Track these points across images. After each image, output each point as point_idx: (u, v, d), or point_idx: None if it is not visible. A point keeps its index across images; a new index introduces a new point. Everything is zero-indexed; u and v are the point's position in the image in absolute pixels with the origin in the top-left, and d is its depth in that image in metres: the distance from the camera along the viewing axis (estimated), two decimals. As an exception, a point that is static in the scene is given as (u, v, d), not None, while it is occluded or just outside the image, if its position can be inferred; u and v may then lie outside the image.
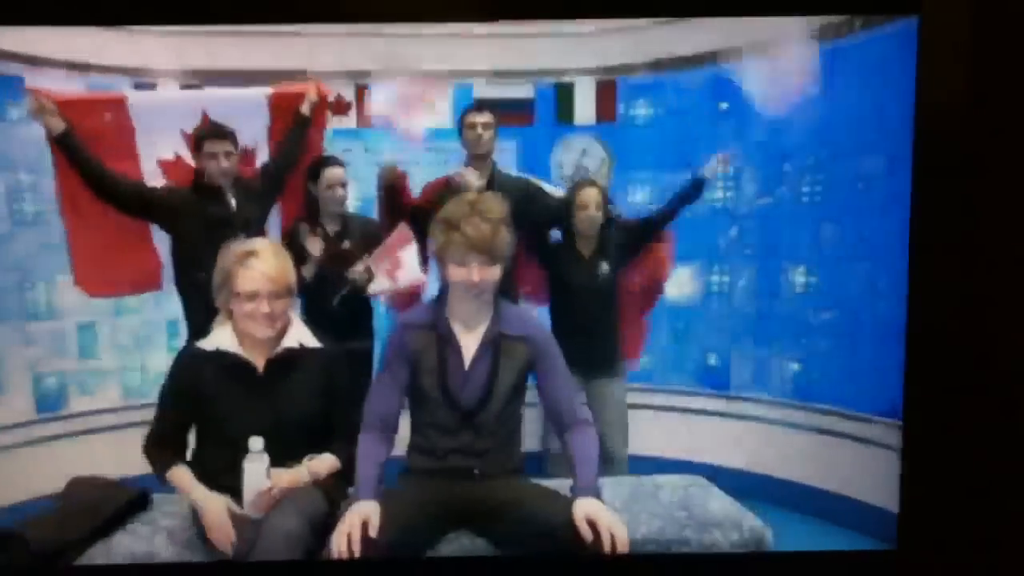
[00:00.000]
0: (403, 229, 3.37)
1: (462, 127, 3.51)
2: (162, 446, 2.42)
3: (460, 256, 2.24)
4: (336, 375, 2.51)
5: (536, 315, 2.52)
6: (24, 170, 3.62)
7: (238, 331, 2.40)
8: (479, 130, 3.46)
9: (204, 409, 2.38)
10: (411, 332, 2.39)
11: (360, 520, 2.11)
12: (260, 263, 2.32)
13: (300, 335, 2.45)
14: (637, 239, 3.58)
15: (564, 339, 3.34)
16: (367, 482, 2.24)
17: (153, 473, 2.42)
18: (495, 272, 2.28)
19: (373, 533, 2.10)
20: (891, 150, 3.42)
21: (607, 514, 2.12)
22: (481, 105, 3.52)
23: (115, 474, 2.62)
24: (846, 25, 3.56)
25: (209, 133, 3.25)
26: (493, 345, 2.36)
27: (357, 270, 3.33)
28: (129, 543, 2.39)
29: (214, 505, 2.26)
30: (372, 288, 3.35)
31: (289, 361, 2.41)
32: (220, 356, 2.37)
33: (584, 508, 2.13)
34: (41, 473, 3.20)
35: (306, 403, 2.42)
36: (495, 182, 3.52)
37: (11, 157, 3.64)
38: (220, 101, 3.49)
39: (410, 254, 3.34)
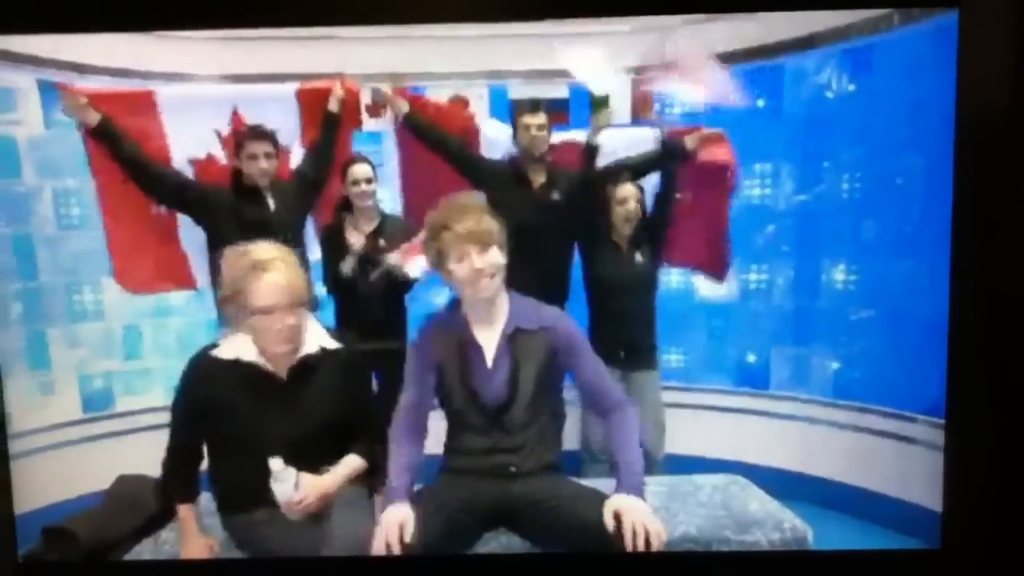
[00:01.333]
0: None
1: (516, 128, 3.53)
2: (180, 468, 2.39)
3: (456, 250, 2.28)
4: (357, 374, 2.50)
5: (554, 308, 2.50)
6: (70, 175, 3.68)
7: (256, 341, 2.32)
8: (533, 131, 3.48)
9: (225, 421, 2.30)
10: (432, 338, 2.42)
11: (397, 524, 2.12)
12: (274, 275, 2.23)
13: (319, 338, 2.40)
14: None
15: (603, 331, 3.41)
16: (399, 486, 2.25)
17: (164, 498, 2.45)
18: (494, 255, 2.30)
19: (408, 537, 2.11)
20: (932, 146, 3.37)
21: (637, 509, 2.10)
22: (536, 105, 3.52)
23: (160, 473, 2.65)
24: (884, 20, 3.52)
25: (250, 134, 3.29)
26: (512, 341, 2.38)
27: (390, 261, 3.34)
28: (174, 540, 2.44)
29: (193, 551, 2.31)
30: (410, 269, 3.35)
31: (311, 366, 2.37)
32: (239, 366, 2.31)
33: (615, 503, 2.13)
34: (89, 471, 3.28)
35: (332, 406, 2.38)
36: (556, 181, 3.55)
37: (58, 162, 3.71)
38: (249, 97, 3.54)
39: None
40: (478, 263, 2.27)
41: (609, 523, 2.09)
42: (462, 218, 2.28)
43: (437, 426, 2.46)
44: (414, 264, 3.32)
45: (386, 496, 2.24)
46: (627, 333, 3.50)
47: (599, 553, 2.18)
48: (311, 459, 2.30)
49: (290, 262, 2.29)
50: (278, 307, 2.22)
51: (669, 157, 3.61)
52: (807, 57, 3.86)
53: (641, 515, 2.08)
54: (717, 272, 3.98)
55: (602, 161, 3.63)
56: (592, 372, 2.41)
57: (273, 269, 2.23)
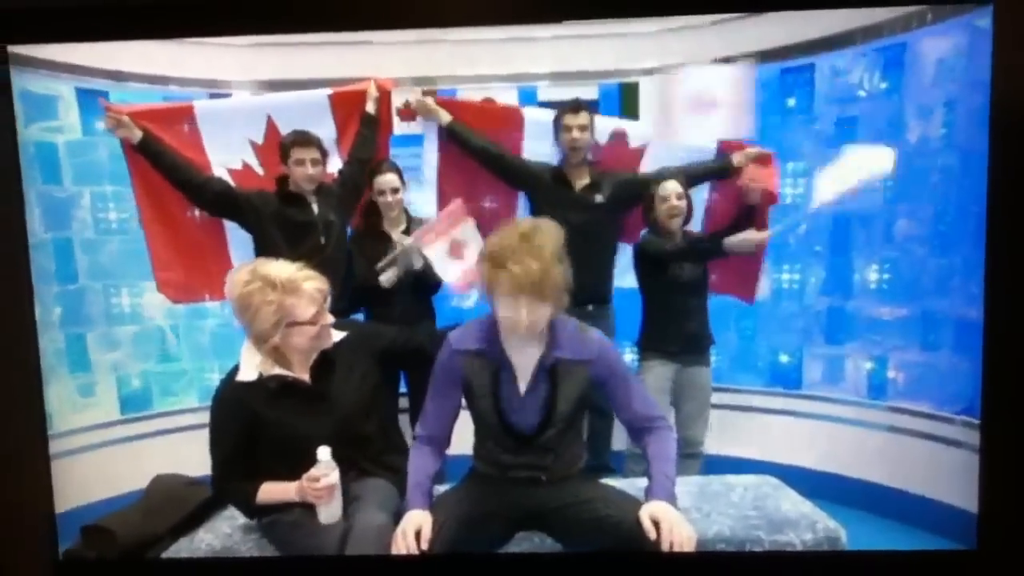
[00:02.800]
0: (456, 205, 3.42)
1: (557, 129, 3.53)
2: (236, 477, 2.39)
3: (508, 296, 2.10)
4: (377, 339, 2.55)
5: (596, 333, 2.33)
6: (108, 180, 3.74)
7: (279, 355, 2.37)
8: (575, 133, 3.47)
9: (266, 435, 2.34)
10: (460, 357, 2.31)
11: (413, 529, 2.13)
12: (308, 284, 2.30)
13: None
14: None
15: (661, 325, 3.47)
16: (417, 492, 2.25)
17: (244, 510, 2.43)
18: (545, 311, 2.14)
19: (425, 544, 2.12)
20: (966, 143, 3.34)
21: (672, 515, 2.10)
22: (578, 106, 3.49)
23: (196, 472, 2.68)
24: (918, 17, 3.48)
25: (296, 140, 3.32)
26: (550, 371, 2.26)
27: (404, 244, 3.30)
28: (210, 539, 2.49)
29: (303, 480, 2.26)
30: (441, 271, 3.36)
31: (329, 362, 2.42)
32: (265, 382, 2.35)
33: (651, 508, 2.12)
34: (126, 471, 3.33)
35: (359, 390, 2.43)
36: (600, 184, 3.56)
37: (97, 168, 3.78)
38: (284, 106, 3.55)
39: (466, 231, 3.37)
40: (525, 317, 2.12)
41: (649, 529, 2.07)
42: (526, 261, 2.05)
43: (465, 427, 2.46)
44: (429, 249, 3.34)
45: (406, 502, 2.24)
46: (683, 330, 3.49)
47: (630, 553, 2.19)
48: (352, 444, 2.36)
49: (305, 271, 2.35)
50: (320, 312, 2.32)
51: (720, 170, 3.68)
52: (839, 56, 3.83)
53: (678, 521, 2.08)
54: (748, 298, 3.98)
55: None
56: (633, 399, 2.31)
57: (302, 282, 2.29)
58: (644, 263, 3.54)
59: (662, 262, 3.46)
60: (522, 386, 2.28)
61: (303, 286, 2.29)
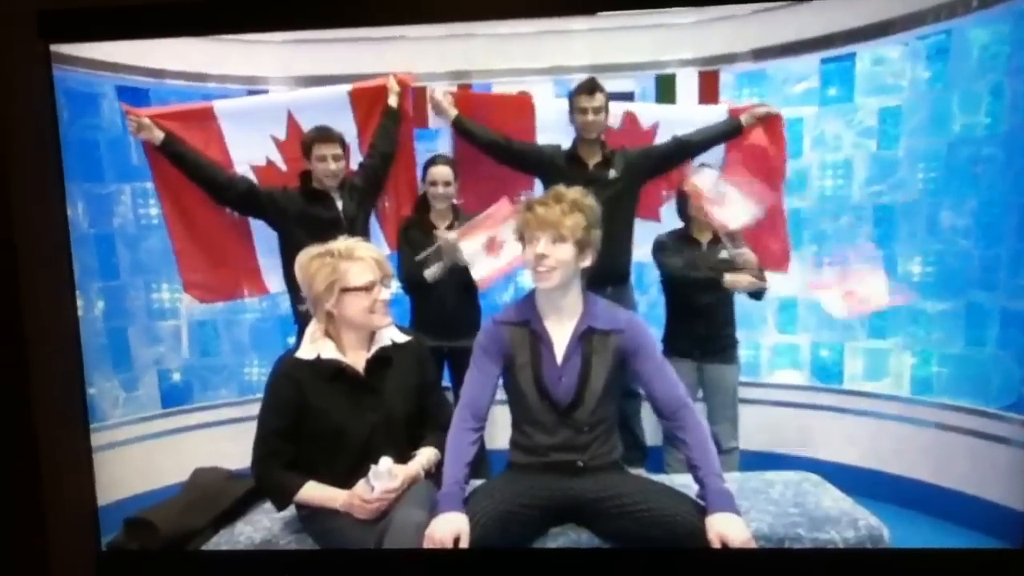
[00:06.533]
0: (503, 204, 3.42)
1: (572, 109, 3.53)
2: (280, 463, 2.39)
3: (529, 233, 2.32)
4: (428, 366, 2.59)
5: (627, 311, 2.48)
6: (149, 177, 3.79)
7: (338, 336, 2.43)
8: (590, 115, 3.47)
9: (312, 417, 2.37)
10: (504, 329, 2.41)
11: (452, 537, 2.13)
12: (363, 253, 2.38)
13: (389, 333, 2.49)
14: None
15: (681, 324, 3.47)
16: (454, 492, 2.24)
17: (279, 501, 2.42)
18: (563, 250, 2.28)
19: (464, 544, 2.13)
20: (1012, 132, 3.27)
21: (740, 534, 2.11)
22: (593, 87, 3.48)
23: (235, 466, 2.72)
24: (962, 5, 3.41)
25: (318, 136, 3.36)
26: (584, 340, 2.36)
27: (446, 238, 3.37)
28: (250, 532, 2.52)
29: (355, 497, 2.29)
30: (474, 270, 3.37)
31: (386, 359, 2.45)
32: (322, 365, 2.38)
33: (717, 528, 2.12)
34: (167, 464, 3.38)
35: (406, 397, 2.46)
36: (612, 160, 3.56)
37: (138, 165, 3.82)
38: (304, 102, 3.60)
39: (507, 231, 3.31)
40: (540, 249, 2.27)
41: (716, 546, 2.11)
42: (550, 204, 2.30)
43: (504, 420, 2.47)
44: (468, 243, 3.36)
45: (441, 502, 2.23)
46: (706, 326, 3.49)
47: (667, 548, 2.18)
48: (391, 448, 2.35)
49: (367, 243, 2.47)
50: (375, 281, 2.37)
51: (729, 132, 3.69)
52: (881, 44, 3.77)
53: (745, 539, 2.11)
54: (782, 268, 3.89)
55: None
56: (659, 375, 2.37)
57: (359, 250, 2.39)
58: (661, 265, 3.54)
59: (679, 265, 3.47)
60: (559, 356, 2.36)
61: (358, 252, 2.38)
